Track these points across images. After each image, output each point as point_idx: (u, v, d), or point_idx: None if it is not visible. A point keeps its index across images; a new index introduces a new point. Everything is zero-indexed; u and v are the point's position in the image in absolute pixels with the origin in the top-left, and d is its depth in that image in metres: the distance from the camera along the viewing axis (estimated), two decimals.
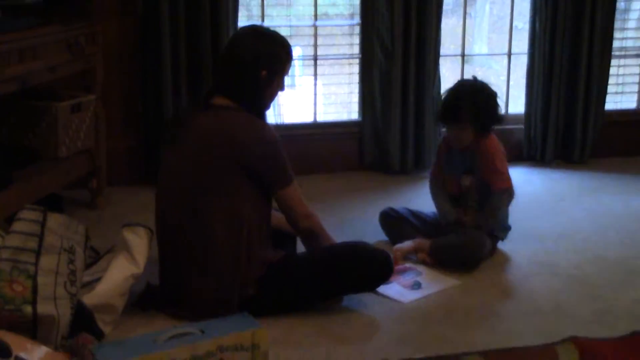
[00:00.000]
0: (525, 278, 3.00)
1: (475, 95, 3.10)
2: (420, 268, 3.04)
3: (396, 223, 3.24)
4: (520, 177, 4.35)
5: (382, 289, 2.79)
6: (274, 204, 2.71)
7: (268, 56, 2.64)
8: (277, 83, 2.69)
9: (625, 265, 3.12)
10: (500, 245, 3.24)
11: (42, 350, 2.06)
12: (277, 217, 2.77)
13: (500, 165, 3.11)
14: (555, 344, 2.45)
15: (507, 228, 3.25)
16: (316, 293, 2.67)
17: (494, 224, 3.13)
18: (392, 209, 3.31)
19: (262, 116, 2.72)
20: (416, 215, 3.29)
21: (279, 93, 2.75)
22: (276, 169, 2.61)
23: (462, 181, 3.17)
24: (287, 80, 2.79)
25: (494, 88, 3.18)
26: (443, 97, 3.19)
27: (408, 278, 2.94)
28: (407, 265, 3.03)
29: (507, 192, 3.12)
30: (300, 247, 2.98)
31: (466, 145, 3.13)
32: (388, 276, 2.72)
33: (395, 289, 2.84)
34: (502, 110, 3.18)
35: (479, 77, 3.24)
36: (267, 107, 2.74)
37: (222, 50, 2.89)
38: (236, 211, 2.56)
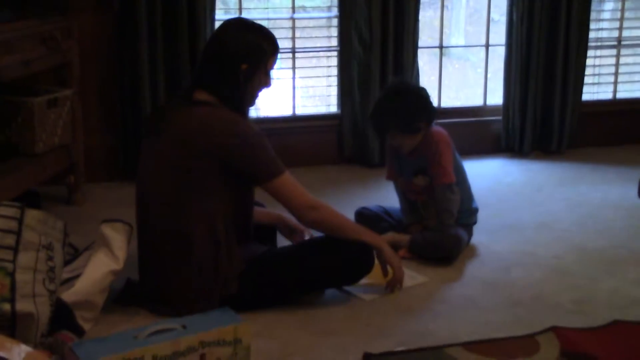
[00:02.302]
0: (505, 269, 3.01)
1: (393, 102, 3.04)
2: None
3: (372, 221, 3.22)
4: (499, 168, 4.38)
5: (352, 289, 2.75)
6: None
7: (250, 49, 2.56)
8: (259, 78, 2.60)
9: (603, 255, 3.15)
10: (480, 236, 3.25)
11: (22, 348, 2.04)
12: (256, 211, 2.76)
13: (445, 161, 3.05)
14: (537, 334, 2.47)
15: (474, 210, 3.23)
16: (297, 287, 2.66)
17: (452, 218, 3.08)
18: (365, 208, 3.31)
19: (244, 112, 2.62)
20: (389, 213, 3.30)
21: (264, 89, 2.66)
22: (259, 162, 2.54)
23: (416, 181, 3.14)
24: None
25: (419, 85, 3.15)
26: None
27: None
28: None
29: (449, 187, 3.06)
30: (281, 241, 2.98)
31: (413, 147, 3.08)
32: (370, 268, 2.70)
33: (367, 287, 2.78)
34: (432, 104, 3.10)
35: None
36: (248, 103, 2.64)
37: (206, 43, 2.82)
38: (215, 209, 2.52)
